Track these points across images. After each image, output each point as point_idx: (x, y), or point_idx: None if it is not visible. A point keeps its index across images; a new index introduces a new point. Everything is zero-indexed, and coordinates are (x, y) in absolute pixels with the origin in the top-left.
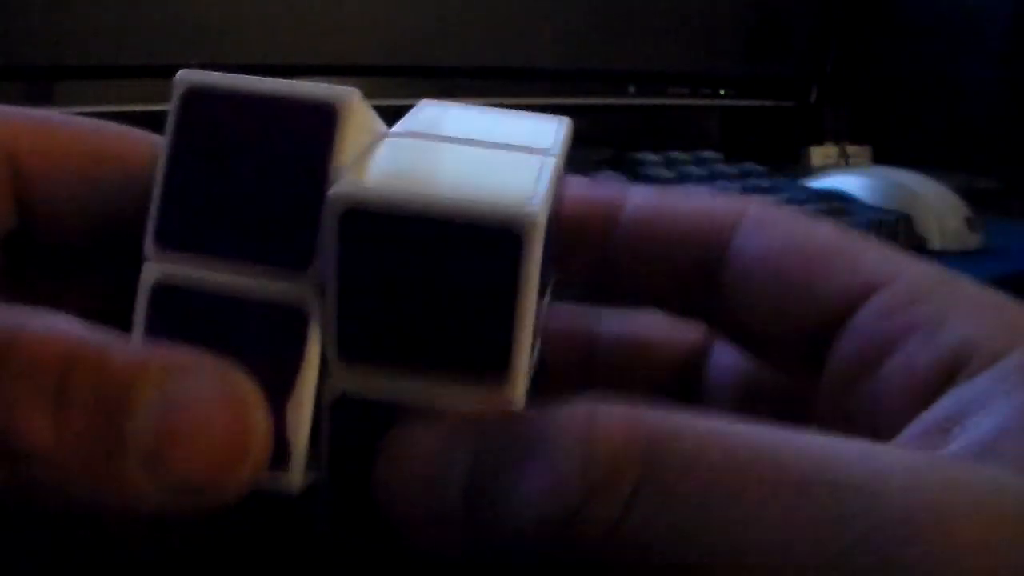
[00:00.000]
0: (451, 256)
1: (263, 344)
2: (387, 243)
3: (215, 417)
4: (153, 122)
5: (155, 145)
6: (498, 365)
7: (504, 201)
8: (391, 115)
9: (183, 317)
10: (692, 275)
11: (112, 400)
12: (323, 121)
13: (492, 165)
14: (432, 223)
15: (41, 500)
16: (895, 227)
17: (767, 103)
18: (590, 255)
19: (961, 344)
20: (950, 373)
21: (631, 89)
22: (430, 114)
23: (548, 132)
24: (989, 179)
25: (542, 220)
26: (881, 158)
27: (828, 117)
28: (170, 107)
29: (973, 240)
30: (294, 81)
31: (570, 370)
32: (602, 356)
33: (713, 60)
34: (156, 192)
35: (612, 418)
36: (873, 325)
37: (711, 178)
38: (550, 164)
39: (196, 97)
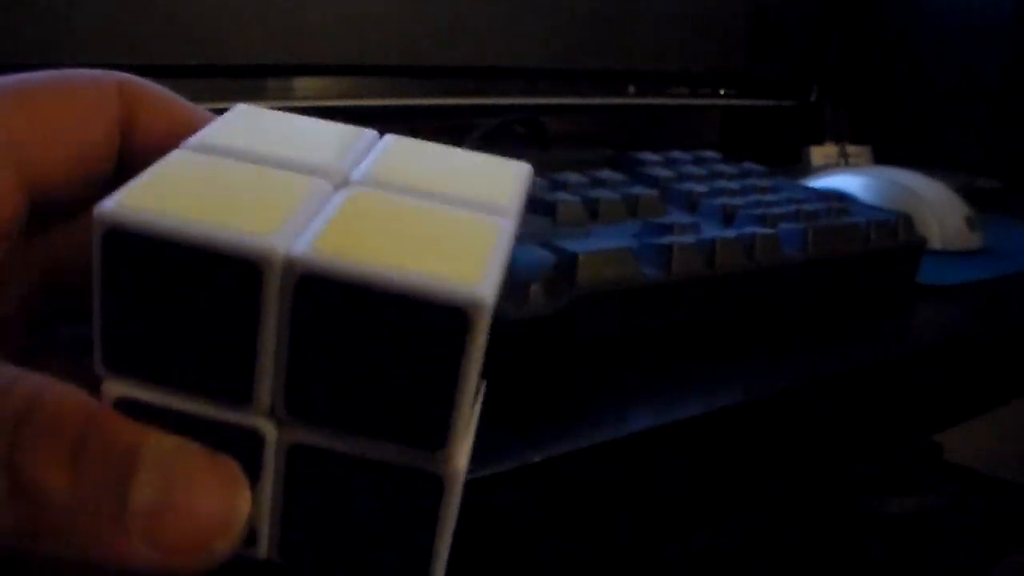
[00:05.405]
0: (398, 328)
1: (226, 451)
2: (336, 310)
3: (209, 493)
4: None
5: (120, 83)
6: (437, 438)
7: (456, 280)
8: (392, 115)
9: (149, 423)
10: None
11: (119, 462)
12: (250, 278)
13: (445, 229)
14: (380, 296)
15: (42, 549)
16: (895, 227)
17: (767, 103)
18: None
19: None
20: None
21: (631, 89)
22: (395, 151)
23: (506, 182)
24: (989, 179)
25: (491, 303)
26: (881, 158)
27: (828, 117)
28: (93, 241)
29: (973, 240)
30: (216, 230)
31: None
32: None
33: (713, 60)
34: (96, 313)
35: None
36: None
37: (711, 178)
38: (506, 232)
39: (119, 236)
